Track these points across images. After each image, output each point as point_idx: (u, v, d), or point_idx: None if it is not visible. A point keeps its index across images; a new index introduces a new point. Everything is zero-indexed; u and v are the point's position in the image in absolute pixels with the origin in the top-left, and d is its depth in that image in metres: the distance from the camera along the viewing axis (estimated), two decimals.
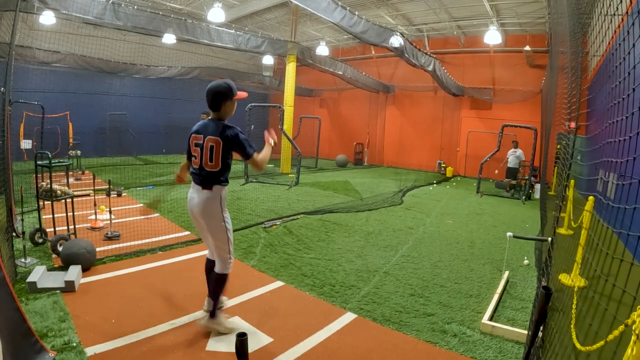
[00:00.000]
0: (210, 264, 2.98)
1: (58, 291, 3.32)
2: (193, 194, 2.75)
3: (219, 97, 2.68)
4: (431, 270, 4.42)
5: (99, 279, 3.71)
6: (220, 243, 2.76)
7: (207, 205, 2.67)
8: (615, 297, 1.53)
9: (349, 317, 3.23)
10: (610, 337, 1.57)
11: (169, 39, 10.25)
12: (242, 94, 2.82)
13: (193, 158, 2.73)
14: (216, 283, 2.83)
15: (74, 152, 11.33)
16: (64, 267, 3.71)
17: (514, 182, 10.73)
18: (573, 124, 2.73)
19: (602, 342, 1.71)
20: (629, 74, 1.53)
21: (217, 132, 2.63)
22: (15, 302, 2.23)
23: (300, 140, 14.86)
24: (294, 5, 9.09)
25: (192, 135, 2.75)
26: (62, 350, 2.49)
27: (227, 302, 3.32)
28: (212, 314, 2.83)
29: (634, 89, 1.43)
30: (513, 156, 10.82)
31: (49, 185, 4.48)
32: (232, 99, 2.73)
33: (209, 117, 2.78)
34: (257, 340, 2.78)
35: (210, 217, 2.70)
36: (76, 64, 12.03)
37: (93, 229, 5.20)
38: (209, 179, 2.67)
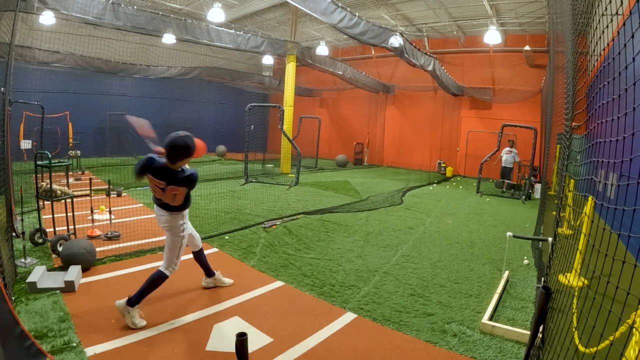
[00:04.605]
0: (195, 255, 3.57)
1: (58, 291, 3.32)
2: (159, 212, 3.12)
3: (179, 154, 2.87)
4: (431, 270, 4.42)
5: (99, 279, 3.71)
6: (172, 251, 3.11)
7: (171, 222, 3.08)
8: (615, 297, 1.53)
9: (349, 317, 3.23)
10: (611, 337, 1.57)
11: (168, 39, 10.25)
12: (200, 150, 3.01)
13: (155, 192, 3.00)
14: (153, 281, 3.01)
15: (73, 152, 11.34)
16: (64, 267, 3.72)
17: (511, 182, 10.73)
18: (574, 123, 2.72)
19: (606, 342, 1.71)
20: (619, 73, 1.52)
21: (180, 182, 2.92)
22: (7, 304, 2.17)
23: (300, 140, 14.85)
24: (293, 5, 9.08)
25: (151, 177, 2.94)
26: (62, 351, 2.49)
27: (227, 280, 3.73)
28: (130, 301, 2.90)
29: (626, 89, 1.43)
30: (508, 155, 10.83)
31: (48, 186, 4.49)
32: (189, 157, 2.94)
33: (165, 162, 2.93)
34: (257, 340, 2.79)
35: (171, 230, 3.10)
36: (76, 64, 12.03)
37: (90, 237, 4.89)
38: (172, 208, 3.07)
